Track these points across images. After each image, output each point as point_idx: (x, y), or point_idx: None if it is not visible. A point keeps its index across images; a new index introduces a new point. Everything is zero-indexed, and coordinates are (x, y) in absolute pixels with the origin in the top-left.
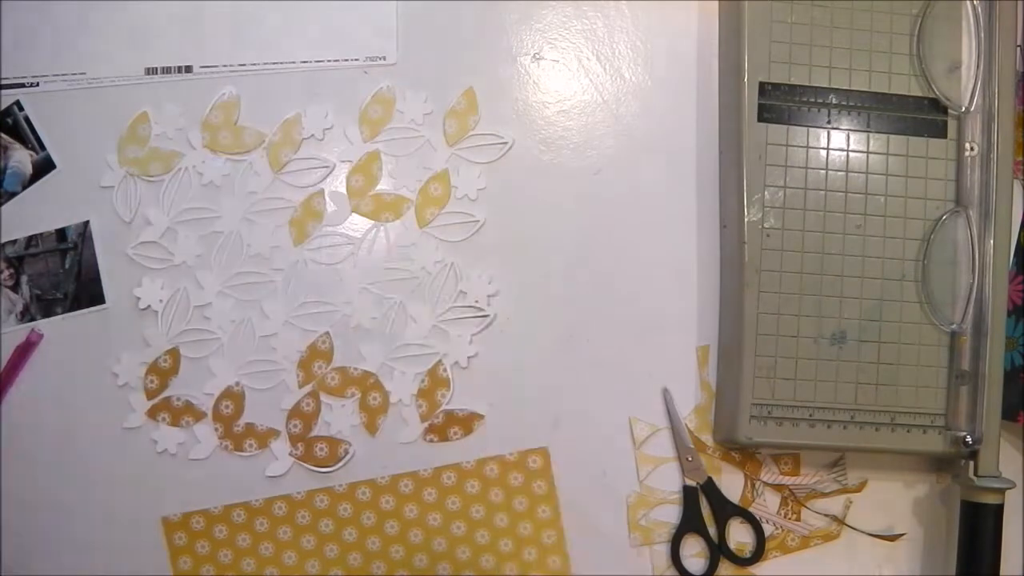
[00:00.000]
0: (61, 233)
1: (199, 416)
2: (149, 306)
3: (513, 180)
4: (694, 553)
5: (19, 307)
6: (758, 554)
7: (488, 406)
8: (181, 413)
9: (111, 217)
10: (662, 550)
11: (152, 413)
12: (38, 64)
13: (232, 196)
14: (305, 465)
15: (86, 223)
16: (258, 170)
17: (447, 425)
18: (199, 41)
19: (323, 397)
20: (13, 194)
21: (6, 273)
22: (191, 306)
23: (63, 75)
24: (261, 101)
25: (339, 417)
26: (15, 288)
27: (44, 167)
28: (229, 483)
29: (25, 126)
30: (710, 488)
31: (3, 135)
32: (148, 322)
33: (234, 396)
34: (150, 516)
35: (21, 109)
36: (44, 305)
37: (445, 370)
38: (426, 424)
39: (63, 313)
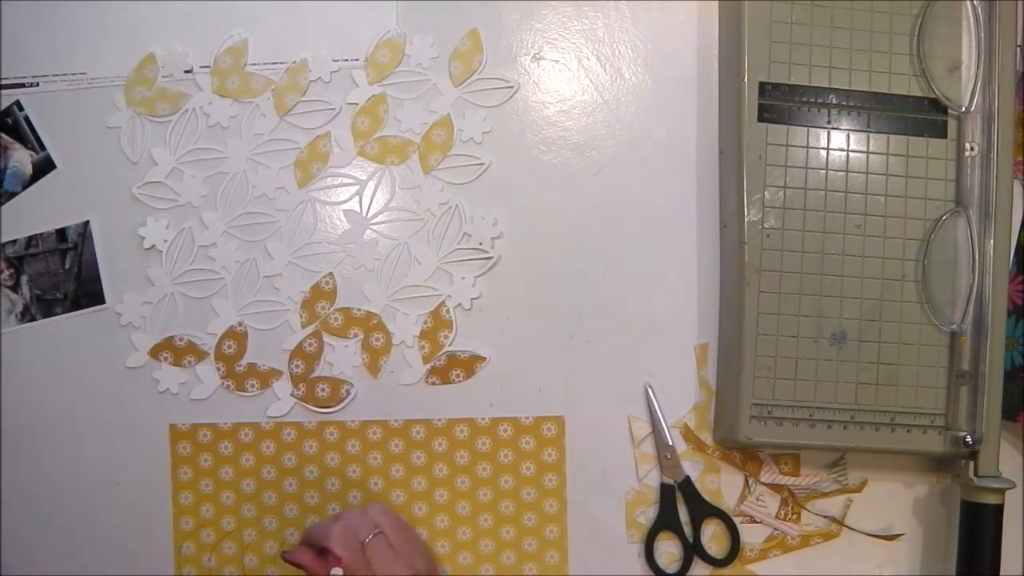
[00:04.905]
0: (61, 233)
1: (201, 356)
2: (153, 246)
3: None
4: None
5: (19, 307)
6: (733, 555)
7: (489, 405)
8: (183, 353)
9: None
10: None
11: (154, 352)
12: (38, 64)
13: (239, 138)
14: (306, 405)
15: (86, 223)
16: (265, 112)
17: (449, 367)
18: (200, 42)
19: (326, 338)
20: (13, 194)
21: (6, 273)
22: (196, 246)
23: (63, 75)
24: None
25: (341, 358)
26: (15, 288)
27: (44, 167)
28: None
29: (25, 126)
30: (687, 487)
31: (3, 135)
32: (152, 261)
33: (237, 336)
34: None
35: (21, 109)
36: (44, 305)
37: (448, 311)
38: (428, 366)
39: (63, 313)
